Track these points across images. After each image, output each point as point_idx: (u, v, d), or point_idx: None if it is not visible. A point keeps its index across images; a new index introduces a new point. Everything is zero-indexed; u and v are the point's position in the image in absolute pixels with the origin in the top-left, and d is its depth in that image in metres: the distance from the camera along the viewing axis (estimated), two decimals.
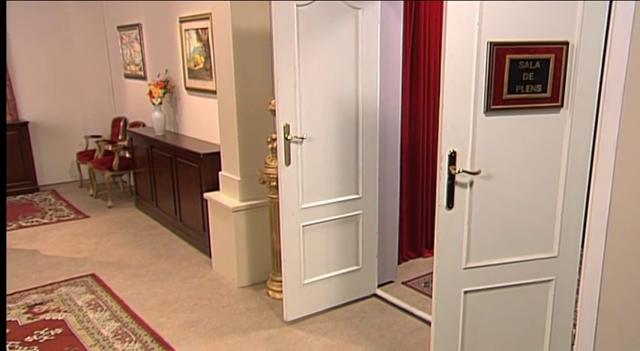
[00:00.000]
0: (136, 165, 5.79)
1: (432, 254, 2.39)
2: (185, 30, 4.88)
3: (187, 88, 5.11)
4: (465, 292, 2.39)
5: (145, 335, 3.19)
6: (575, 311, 2.41)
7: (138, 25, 5.91)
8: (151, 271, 4.18)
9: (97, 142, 6.42)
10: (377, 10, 3.22)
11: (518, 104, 2.21)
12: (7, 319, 3.39)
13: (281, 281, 3.33)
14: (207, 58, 4.62)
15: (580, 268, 2.26)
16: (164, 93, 5.31)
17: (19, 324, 3.35)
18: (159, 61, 5.65)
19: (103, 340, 3.15)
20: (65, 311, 3.52)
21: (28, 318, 3.43)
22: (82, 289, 3.85)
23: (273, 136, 3.35)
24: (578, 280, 2.29)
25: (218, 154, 4.06)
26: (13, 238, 4.96)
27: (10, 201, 6.17)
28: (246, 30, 3.54)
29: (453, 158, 2.19)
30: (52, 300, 3.69)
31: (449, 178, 2.22)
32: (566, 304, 2.51)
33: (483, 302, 2.43)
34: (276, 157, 3.14)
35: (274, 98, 3.06)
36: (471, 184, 2.26)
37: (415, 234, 4.22)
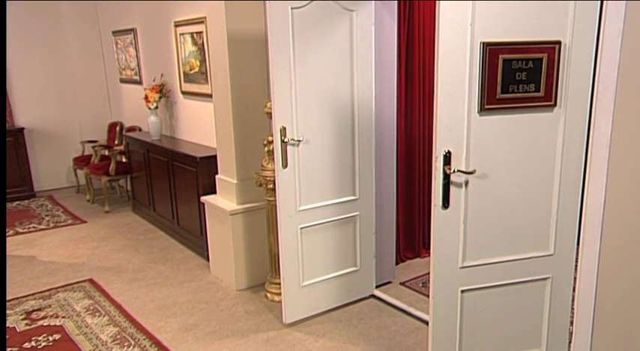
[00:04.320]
0: (132, 169, 5.78)
1: (429, 254, 2.39)
2: (180, 34, 4.89)
3: (183, 92, 5.11)
4: (462, 292, 2.40)
5: (144, 339, 3.19)
6: (572, 308, 2.42)
7: (133, 30, 5.91)
8: (149, 275, 4.17)
9: (94, 147, 6.42)
10: (371, 11, 3.23)
11: (512, 104, 2.22)
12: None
13: (279, 284, 3.33)
14: (203, 61, 4.63)
15: (576, 265, 2.28)
16: (160, 97, 5.31)
17: (17, 330, 3.35)
18: (154, 65, 5.65)
19: (102, 345, 3.14)
20: (63, 317, 3.51)
21: (26, 324, 3.42)
22: (80, 295, 3.85)
23: (270, 138, 3.36)
24: (575, 278, 2.30)
25: (215, 157, 4.07)
26: (10, 244, 4.95)
27: (6, 207, 6.15)
28: (241, 33, 3.55)
29: (448, 158, 2.21)
30: (50, 306, 3.68)
31: (444, 178, 2.23)
32: (563, 301, 2.53)
33: (480, 301, 2.44)
34: (273, 159, 3.15)
35: (270, 101, 3.07)
36: (466, 183, 2.27)
37: (412, 234, 4.23)
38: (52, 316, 3.52)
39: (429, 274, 2.39)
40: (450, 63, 2.13)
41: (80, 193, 6.71)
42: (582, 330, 2.15)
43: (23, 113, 6.63)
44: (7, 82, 6.42)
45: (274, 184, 3.17)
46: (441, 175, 2.22)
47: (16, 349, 3.12)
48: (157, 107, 5.34)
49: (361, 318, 3.38)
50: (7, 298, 3.79)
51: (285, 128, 3.02)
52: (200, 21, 4.48)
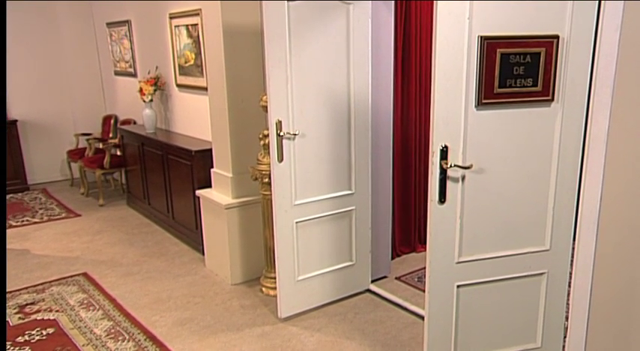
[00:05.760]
0: (127, 163, 5.75)
1: (425, 249, 2.39)
2: (175, 26, 4.84)
3: (178, 85, 5.08)
4: (458, 286, 2.40)
5: (138, 334, 3.18)
6: (567, 304, 2.43)
7: (127, 22, 5.86)
8: (144, 269, 4.16)
9: (88, 140, 6.37)
10: (368, 4, 3.21)
11: (510, 98, 2.21)
12: None
13: (274, 278, 3.32)
14: (198, 54, 4.59)
15: (572, 261, 2.27)
16: (155, 90, 5.27)
17: (11, 324, 3.33)
18: (149, 57, 5.61)
19: (96, 339, 3.13)
20: (57, 311, 3.49)
21: (20, 318, 3.40)
22: (74, 289, 3.83)
23: (265, 132, 3.34)
24: (570, 273, 2.30)
25: (210, 151, 4.04)
26: None
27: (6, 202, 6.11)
28: (237, 26, 3.52)
29: (444, 153, 2.19)
30: (43, 300, 3.66)
31: (441, 173, 2.22)
32: (559, 296, 2.53)
33: (476, 296, 2.44)
34: (269, 153, 3.13)
35: (266, 94, 3.05)
36: (463, 178, 2.26)
37: (408, 229, 4.23)
38: (45, 310, 3.50)
39: (424, 268, 2.39)
40: (447, 57, 2.11)
41: (74, 186, 6.68)
42: (577, 325, 2.15)
43: (16, 105, 6.57)
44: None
45: (270, 178, 3.15)
46: (438, 170, 2.21)
47: (10, 343, 3.10)
48: (151, 100, 5.30)
49: (357, 312, 3.38)
50: None
51: (280, 122, 3.00)
52: (195, 13, 4.44)
